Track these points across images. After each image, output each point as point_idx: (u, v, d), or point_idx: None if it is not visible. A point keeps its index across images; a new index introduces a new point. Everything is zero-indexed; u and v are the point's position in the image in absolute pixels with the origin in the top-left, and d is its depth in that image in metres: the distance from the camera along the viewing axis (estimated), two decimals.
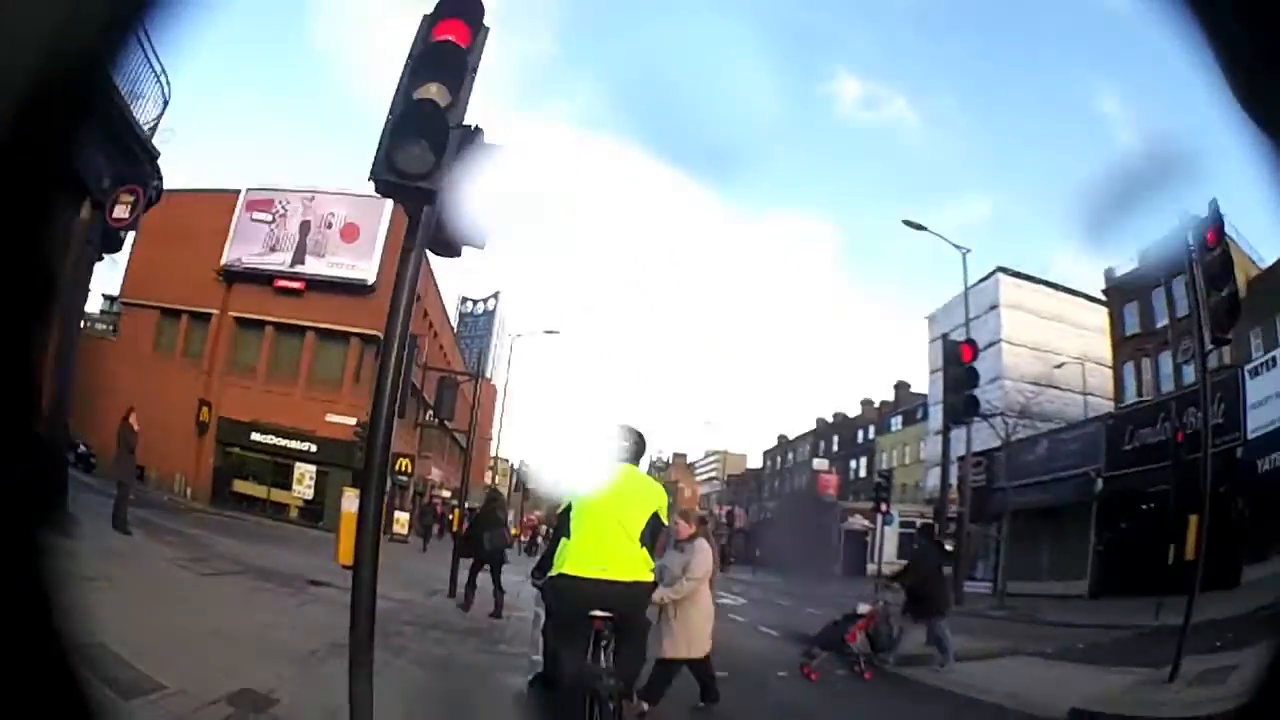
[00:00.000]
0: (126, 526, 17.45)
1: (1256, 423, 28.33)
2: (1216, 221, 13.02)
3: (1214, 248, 13.00)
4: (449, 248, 7.07)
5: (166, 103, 17.98)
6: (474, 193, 6.94)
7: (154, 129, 18.24)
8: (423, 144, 6.56)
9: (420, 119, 6.65)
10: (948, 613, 16.16)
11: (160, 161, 18.77)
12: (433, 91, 6.73)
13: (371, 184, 6.76)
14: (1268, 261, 32.30)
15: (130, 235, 19.75)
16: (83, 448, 28.84)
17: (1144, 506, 32.56)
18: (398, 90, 6.78)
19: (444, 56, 6.76)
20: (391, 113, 6.73)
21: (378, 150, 6.63)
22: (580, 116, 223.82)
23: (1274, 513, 24.68)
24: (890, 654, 15.61)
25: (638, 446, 7.16)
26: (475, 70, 6.85)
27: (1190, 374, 35.36)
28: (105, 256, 19.37)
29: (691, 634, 10.04)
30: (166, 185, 19.84)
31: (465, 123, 6.87)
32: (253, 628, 11.29)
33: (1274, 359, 28.65)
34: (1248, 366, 29.78)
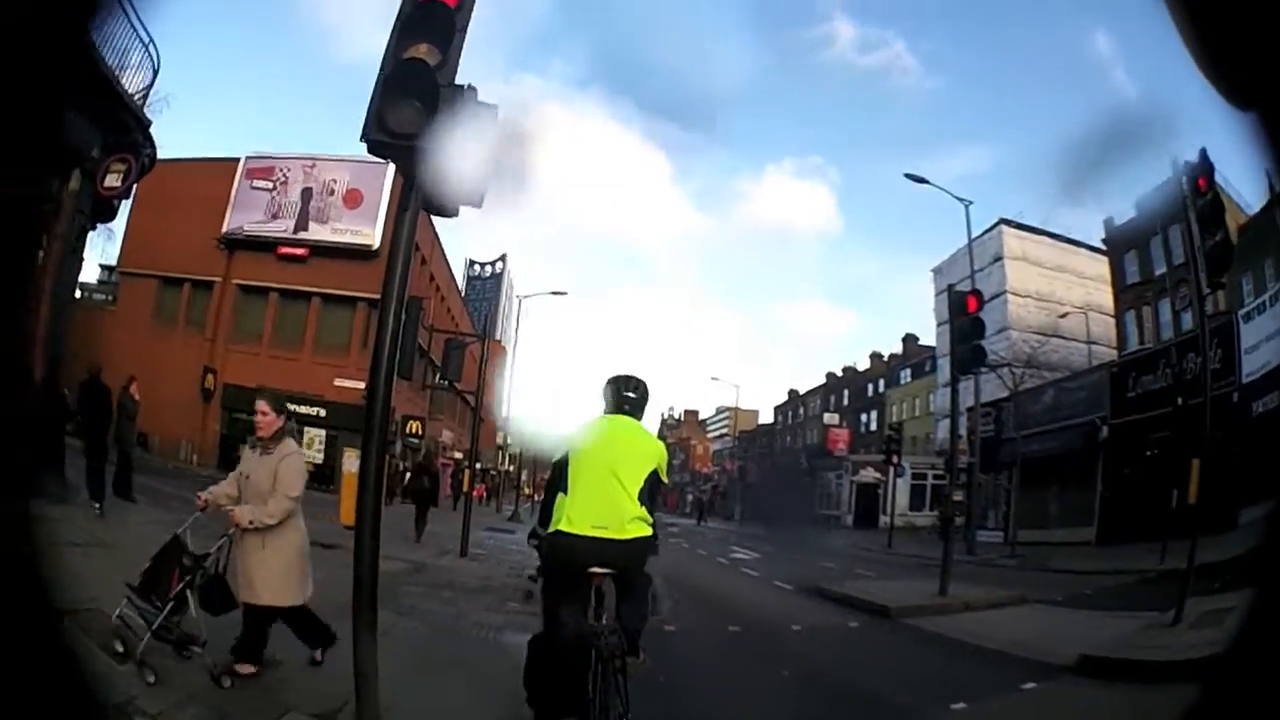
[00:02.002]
0: (131, 494, 17.44)
1: (1250, 367, 28.52)
2: (1207, 168, 13.01)
3: (1205, 193, 13.05)
4: (445, 207, 6.96)
5: (156, 71, 17.91)
6: (468, 152, 6.92)
7: (145, 97, 18.17)
8: (414, 103, 6.51)
9: (410, 78, 6.59)
10: None
11: (155, 130, 18.68)
12: (422, 51, 6.66)
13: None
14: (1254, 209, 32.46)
15: (125, 205, 19.76)
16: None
17: (1148, 453, 32.30)
18: (387, 50, 6.72)
19: (432, 16, 6.68)
20: (382, 72, 6.66)
21: (369, 110, 6.57)
22: (575, 75, 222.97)
23: (1266, 454, 24.60)
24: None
25: (640, 397, 6.89)
26: (465, 29, 6.76)
27: (1189, 320, 35.43)
28: (99, 226, 19.37)
29: (286, 572, 7.77)
30: (164, 155, 19.81)
31: (457, 82, 6.81)
32: None
33: (1263, 304, 28.80)
34: (1240, 312, 29.87)
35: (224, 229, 44.48)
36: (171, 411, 36.24)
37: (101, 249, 42.74)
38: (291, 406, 31.17)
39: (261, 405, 8.04)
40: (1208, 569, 14.38)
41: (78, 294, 25.21)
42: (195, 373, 41.83)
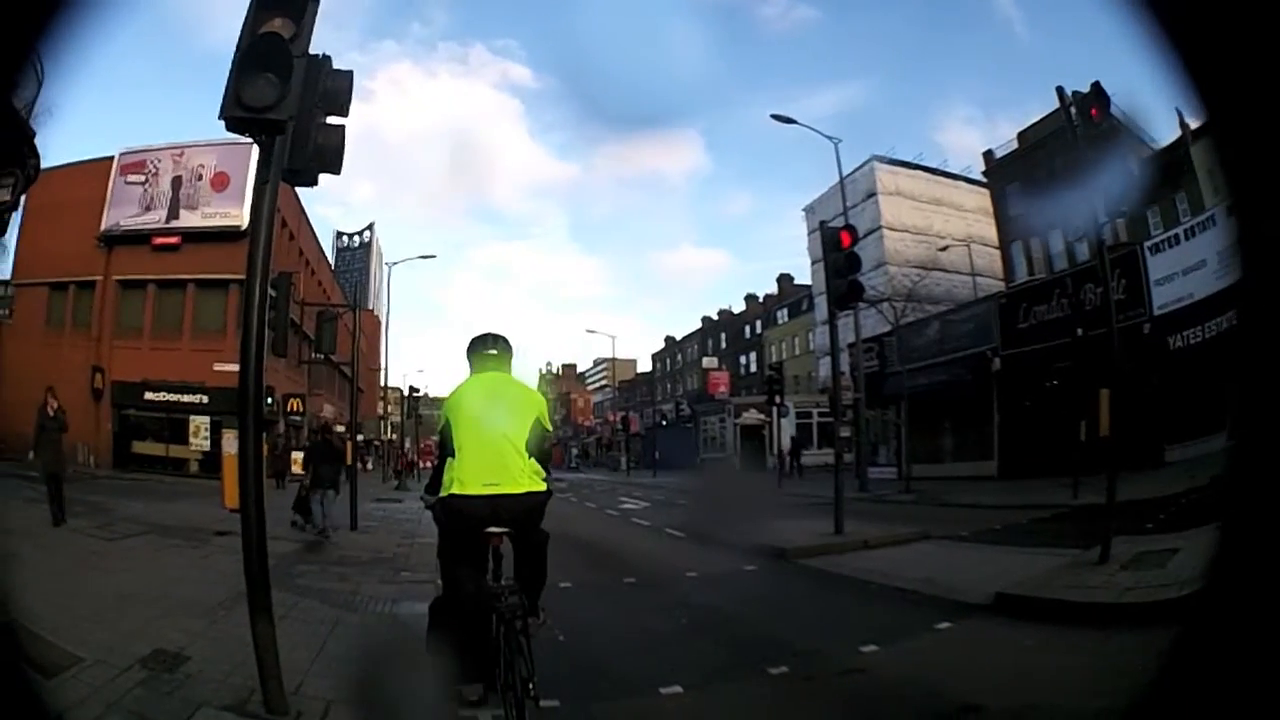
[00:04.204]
0: (64, 517, 17.14)
1: (1162, 299, 28.48)
2: (1102, 99, 12.95)
3: (1099, 123, 12.99)
4: (303, 176, 6.95)
5: (41, 83, 17.55)
6: (325, 119, 6.88)
7: (31, 109, 17.83)
8: (269, 76, 6.55)
9: (264, 52, 6.61)
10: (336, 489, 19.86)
11: (38, 139, 18.41)
12: (276, 25, 6.72)
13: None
14: (1162, 143, 32.76)
15: (15, 217, 19.61)
16: None
17: (1049, 384, 32.40)
18: (244, 28, 6.74)
19: None
20: (238, 50, 6.68)
21: (226, 88, 6.57)
22: (430, 37, 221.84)
23: (1191, 391, 24.79)
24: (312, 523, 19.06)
25: (502, 351, 6.87)
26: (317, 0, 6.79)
27: (1085, 251, 35.73)
28: None
29: None
30: (47, 162, 19.58)
31: (312, 52, 6.86)
32: (161, 587, 11.23)
33: (1176, 236, 28.83)
34: (1147, 244, 29.94)
35: (102, 227, 44.26)
36: (69, 416, 35.72)
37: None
38: (174, 397, 31.27)
39: None
40: (1133, 506, 14.44)
41: None
42: (86, 374, 41.09)
